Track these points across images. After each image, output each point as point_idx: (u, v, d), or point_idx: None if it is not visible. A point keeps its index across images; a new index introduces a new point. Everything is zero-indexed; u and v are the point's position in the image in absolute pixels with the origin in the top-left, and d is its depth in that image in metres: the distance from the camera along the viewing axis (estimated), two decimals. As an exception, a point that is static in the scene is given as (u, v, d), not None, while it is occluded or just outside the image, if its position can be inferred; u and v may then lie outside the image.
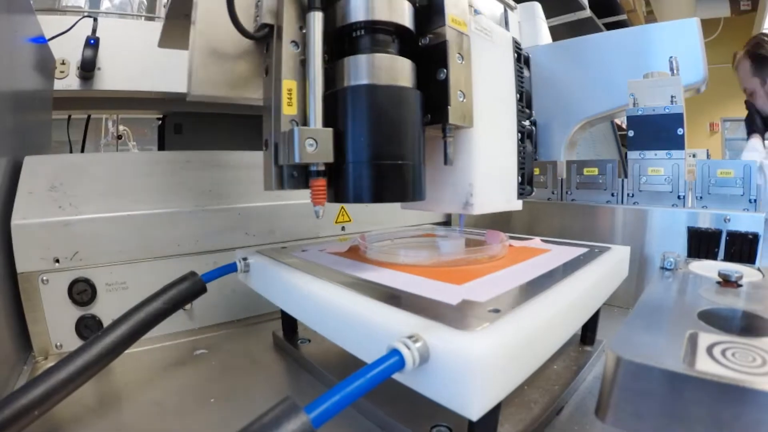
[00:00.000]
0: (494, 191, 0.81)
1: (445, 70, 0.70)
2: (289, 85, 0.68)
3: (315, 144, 0.63)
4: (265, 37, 0.74)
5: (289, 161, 0.64)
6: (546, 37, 2.08)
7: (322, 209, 0.68)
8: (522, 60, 0.89)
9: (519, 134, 0.86)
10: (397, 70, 0.69)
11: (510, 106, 0.85)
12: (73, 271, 0.93)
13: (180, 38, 0.91)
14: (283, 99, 0.68)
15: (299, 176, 0.70)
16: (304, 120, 0.69)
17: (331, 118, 0.67)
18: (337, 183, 0.68)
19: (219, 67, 0.73)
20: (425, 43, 0.73)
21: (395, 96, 0.67)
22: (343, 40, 0.72)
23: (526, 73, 0.90)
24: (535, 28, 2.05)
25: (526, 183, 0.88)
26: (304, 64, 0.69)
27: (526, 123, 0.89)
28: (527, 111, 0.89)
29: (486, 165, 0.78)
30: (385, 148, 0.66)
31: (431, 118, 0.72)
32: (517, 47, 0.87)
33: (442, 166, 0.75)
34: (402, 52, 0.72)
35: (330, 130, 0.65)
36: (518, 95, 0.86)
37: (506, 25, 0.89)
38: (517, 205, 0.87)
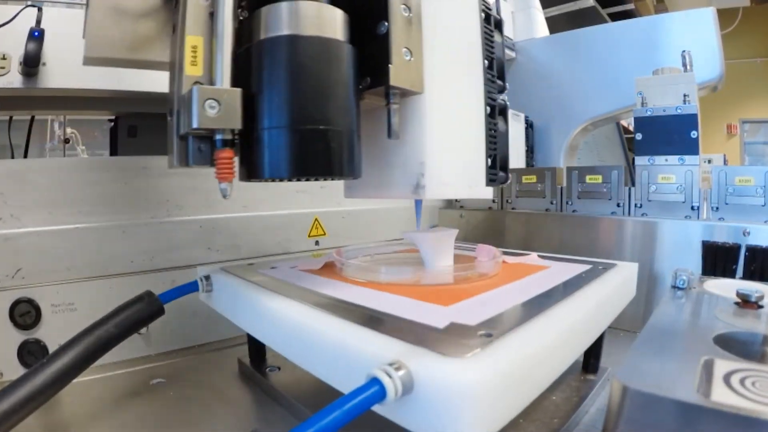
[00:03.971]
0: (453, 173, 0.76)
1: (386, 23, 0.65)
2: (193, 41, 0.63)
3: (218, 105, 0.59)
4: (174, -9, 0.69)
5: (187, 127, 0.60)
6: (542, 30, 2.09)
7: (229, 186, 0.63)
8: (492, 22, 0.85)
9: (488, 108, 0.82)
10: (324, 20, 0.64)
11: (475, 74, 0.80)
12: (15, 291, 0.92)
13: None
14: (186, 57, 0.63)
15: (207, 150, 0.64)
16: (211, 81, 0.64)
17: (243, 79, 0.64)
18: (250, 156, 0.64)
19: (119, 26, 0.70)
20: None
21: (320, 48, 0.63)
22: None
23: (497, 38, 0.86)
24: (530, 19, 2.07)
25: (498, 168, 0.84)
26: (214, 18, 0.64)
27: (499, 96, 0.85)
28: (499, 82, 0.86)
29: (442, 140, 0.73)
30: (307, 111, 0.62)
31: (371, 81, 0.67)
32: (485, 7, 0.83)
33: (388, 144, 0.73)
34: (336, 5, 0.67)
35: (237, 90, 0.62)
36: (486, 62, 0.82)
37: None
38: (486, 192, 0.82)
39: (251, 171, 0.65)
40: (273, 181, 0.65)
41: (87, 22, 0.69)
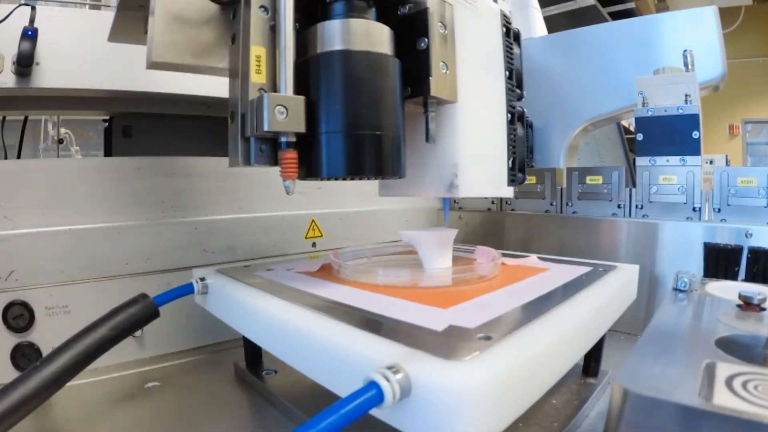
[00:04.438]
0: (482, 174, 0.82)
1: (426, 39, 0.72)
2: (257, 51, 0.68)
3: (285, 111, 0.64)
4: (231, 3, 0.74)
5: (257, 131, 0.64)
6: (541, 29, 2.09)
7: (293, 184, 0.68)
8: (512, 35, 0.90)
9: (509, 115, 0.88)
10: (373, 36, 0.71)
11: (498, 83, 0.87)
12: (8, 293, 0.92)
13: (133, 31, 0.91)
14: (252, 66, 0.67)
15: (267, 151, 0.69)
16: (274, 89, 0.68)
17: (302, 87, 0.68)
18: (309, 157, 0.69)
19: (182, 33, 0.73)
20: (404, 12, 0.75)
21: (371, 62, 0.70)
22: (316, 7, 0.74)
23: (516, 49, 0.91)
24: (528, 18, 2.07)
25: (517, 169, 0.89)
26: (273, 30, 0.69)
27: (517, 104, 0.90)
28: (518, 91, 0.91)
29: (472, 144, 0.80)
30: (361, 118, 0.68)
31: (411, 91, 0.74)
32: (506, 21, 0.88)
33: (423, 146, 0.78)
34: (379, 21, 0.74)
35: (302, 97, 0.66)
36: (507, 72, 0.88)
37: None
38: (508, 192, 0.88)
39: (310, 170, 0.70)
40: (329, 179, 0.71)
41: (152, 29, 0.71)
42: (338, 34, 0.69)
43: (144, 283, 1.04)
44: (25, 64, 1.18)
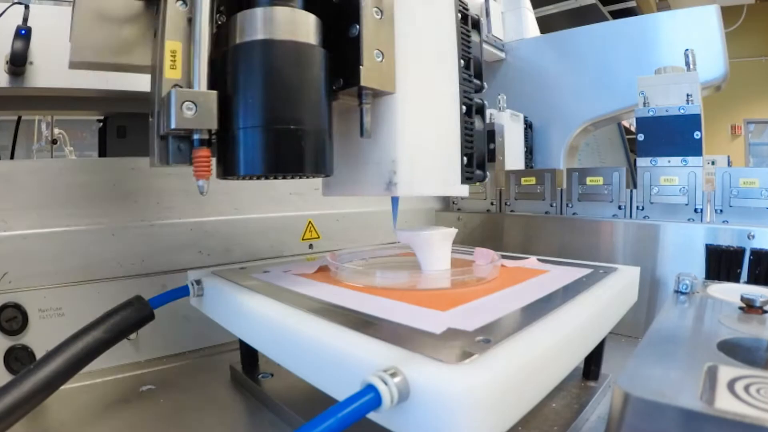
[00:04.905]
0: (427, 171, 0.79)
1: (357, 26, 0.69)
2: (172, 46, 0.67)
3: (195, 107, 0.63)
4: (154, -2, 0.73)
5: (166, 128, 0.64)
6: (533, 30, 2.09)
7: (206, 184, 0.68)
8: (469, 22, 0.88)
9: (464, 107, 0.85)
10: (297, 25, 0.69)
11: (450, 74, 0.84)
12: (1, 295, 0.92)
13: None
14: (166, 61, 0.67)
15: (186, 149, 0.69)
16: (189, 84, 0.68)
17: (220, 82, 0.68)
18: (225, 154, 0.69)
19: (103, 31, 0.73)
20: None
21: (292, 52, 0.67)
22: None
23: (474, 37, 0.89)
24: (521, 19, 2.07)
25: (474, 166, 0.87)
26: (191, 23, 0.68)
27: (475, 95, 0.88)
28: (476, 82, 0.89)
29: (415, 139, 0.77)
30: (280, 111, 0.66)
31: (343, 82, 0.71)
32: (462, 7, 0.86)
33: (363, 142, 0.77)
34: (310, 10, 0.71)
35: (213, 92, 0.66)
36: (462, 62, 0.85)
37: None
38: (462, 190, 0.86)
39: (227, 168, 0.69)
40: (247, 178, 0.71)
41: (72, 27, 0.71)
42: (259, 23, 0.67)
43: (139, 285, 1.04)
44: (18, 63, 1.18)
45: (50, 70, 1.20)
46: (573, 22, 2.05)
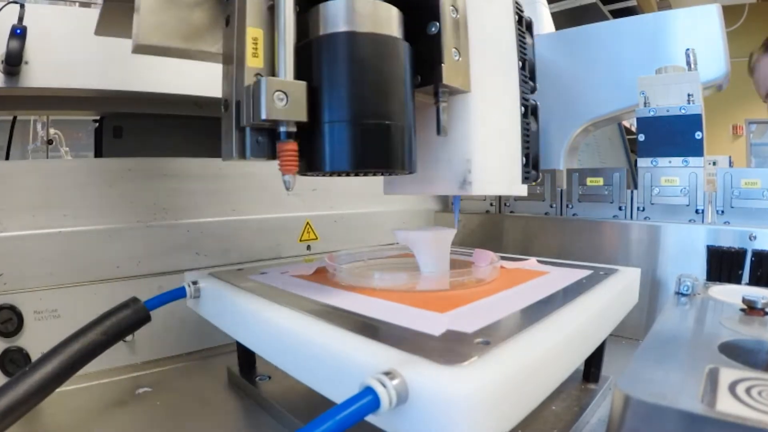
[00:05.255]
0: (496, 170, 0.80)
1: (437, 23, 0.69)
2: (254, 33, 0.66)
3: (285, 98, 0.61)
4: (226, -17, 0.72)
5: (254, 119, 0.61)
6: (548, 25, 2.09)
7: (293, 179, 0.65)
8: (524, 24, 0.88)
9: (522, 108, 0.85)
10: (381, 17, 0.67)
11: (512, 74, 0.84)
12: (-4, 297, 0.92)
13: (120, 24, 0.90)
14: (248, 49, 0.65)
15: (265, 142, 0.67)
16: (272, 74, 0.66)
17: (304, 73, 0.66)
18: (311, 149, 0.66)
19: (172, 14, 0.71)
20: None
21: (380, 44, 0.66)
22: None
23: (528, 39, 0.90)
24: (536, 15, 2.06)
25: (531, 166, 0.88)
26: (272, 11, 0.66)
27: (530, 96, 0.89)
28: (531, 83, 0.89)
29: (486, 138, 0.77)
30: (368, 106, 0.65)
31: (421, 79, 0.71)
32: (518, 8, 0.86)
33: (433, 140, 0.76)
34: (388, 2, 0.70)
35: (303, 83, 0.64)
36: (520, 63, 0.86)
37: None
38: (522, 190, 0.86)
39: (312, 163, 0.67)
40: (333, 175, 0.70)
41: (138, 9, 0.69)
42: (342, 14, 0.65)
43: (135, 287, 1.04)
44: (13, 63, 1.17)
45: (46, 69, 1.20)
46: (573, 21, 2.05)
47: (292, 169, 0.64)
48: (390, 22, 0.68)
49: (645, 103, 1.28)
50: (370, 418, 0.44)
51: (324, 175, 0.70)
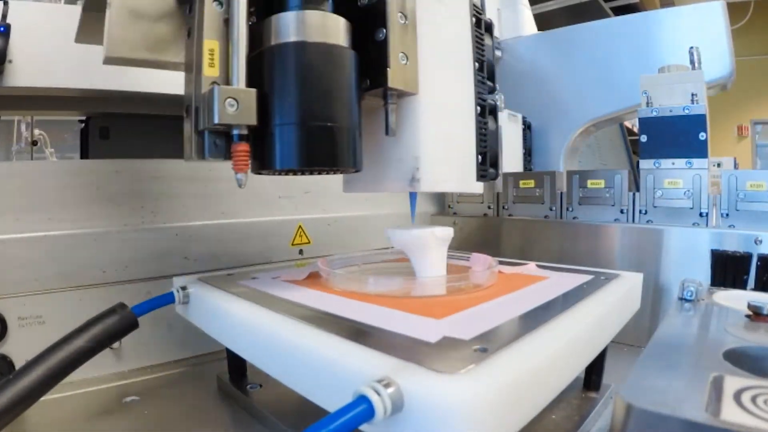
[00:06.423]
0: (446, 168, 0.83)
1: (384, 30, 0.74)
2: (210, 45, 0.71)
3: (236, 104, 0.67)
4: (187, -2, 0.77)
5: (209, 123, 0.68)
6: (530, 27, 2.09)
7: (245, 177, 0.71)
8: (483, 26, 0.92)
9: (478, 108, 0.89)
10: (328, 28, 0.73)
11: (466, 76, 0.88)
12: (-22, 303, 0.91)
13: (99, 32, 0.91)
14: (205, 59, 0.71)
15: (222, 145, 0.72)
16: (227, 82, 0.72)
17: (256, 80, 0.72)
18: (262, 149, 0.72)
19: (138, 28, 0.76)
20: (364, 3, 0.78)
21: (325, 53, 0.72)
22: (272, 1, 0.76)
23: (487, 41, 0.94)
24: (517, 16, 2.07)
25: (488, 164, 0.91)
26: (227, 24, 0.72)
27: (488, 96, 0.92)
28: (489, 83, 0.93)
29: (436, 137, 0.81)
30: (315, 109, 0.71)
31: (370, 83, 0.76)
32: (476, 11, 0.90)
33: (386, 140, 0.82)
34: (338, 14, 0.76)
35: (253, 90, 0.69)
36: (477, 64, 0.89)
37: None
38: (476, 187, 0.89)
39: (264, 162, 0.73)
40: (282, 173, 0.75)
41: (107, 24, 0.74)
42: (292, 25, 0.72)
43: (122, 293, 1.04)
44: (-4, 62, 1.17)
45: (30, 68, 1.20)
46: (573, 19, 2.06)
47: (243, 168, 0.71)
48: (337, 32, 0.75)
49: (647, 103, 1.28)
50: (365, 428, 0.44)
51: (276, 174, 0.76)
